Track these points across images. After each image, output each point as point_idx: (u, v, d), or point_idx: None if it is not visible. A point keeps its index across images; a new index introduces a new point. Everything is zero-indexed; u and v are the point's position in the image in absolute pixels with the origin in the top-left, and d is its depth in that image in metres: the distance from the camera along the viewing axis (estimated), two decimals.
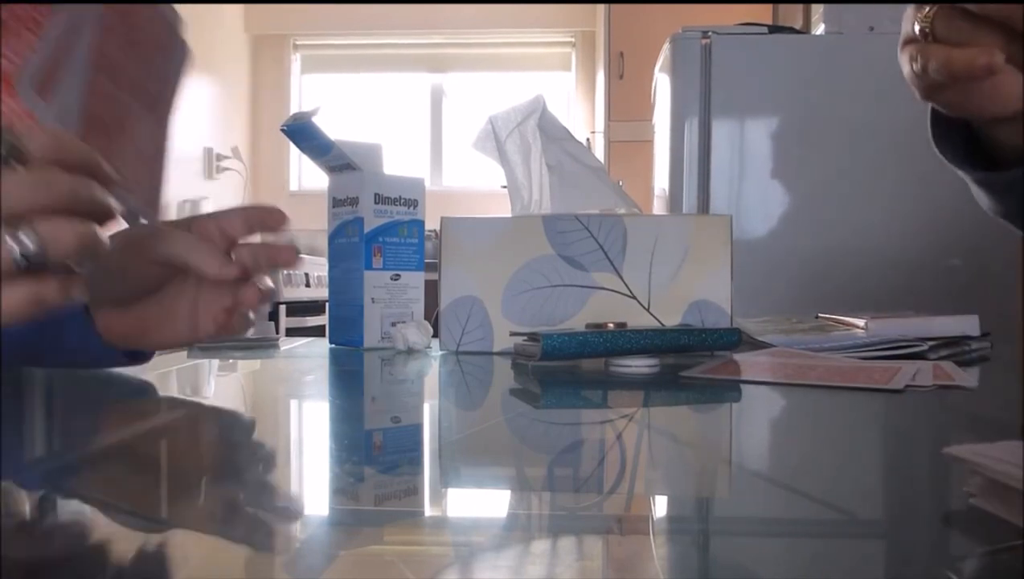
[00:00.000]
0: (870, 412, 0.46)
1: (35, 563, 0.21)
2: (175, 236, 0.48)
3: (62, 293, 0.35)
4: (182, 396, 0.53)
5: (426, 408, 0.50)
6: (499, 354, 0.70)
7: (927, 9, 0.45)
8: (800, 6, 2.33)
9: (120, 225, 0.43)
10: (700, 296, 0.69)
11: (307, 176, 4.09)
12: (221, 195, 3.47)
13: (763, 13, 2.71)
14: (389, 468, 0.33)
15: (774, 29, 1.81)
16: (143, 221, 0.44)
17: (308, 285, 2.73)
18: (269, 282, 0.52)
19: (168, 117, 0.49)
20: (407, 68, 4.14)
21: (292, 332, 2.52)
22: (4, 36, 0.43)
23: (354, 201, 0.76)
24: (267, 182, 4.02)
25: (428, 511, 0.27)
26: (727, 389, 0.53)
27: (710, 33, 1.74)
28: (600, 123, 3.48)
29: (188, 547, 0.23)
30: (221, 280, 0.49)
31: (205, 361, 0.67)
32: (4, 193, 0.34)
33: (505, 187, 0.78)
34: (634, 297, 0.69)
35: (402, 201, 0.78)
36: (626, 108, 3.23)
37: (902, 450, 0.37)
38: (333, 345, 0.79)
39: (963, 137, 0.54)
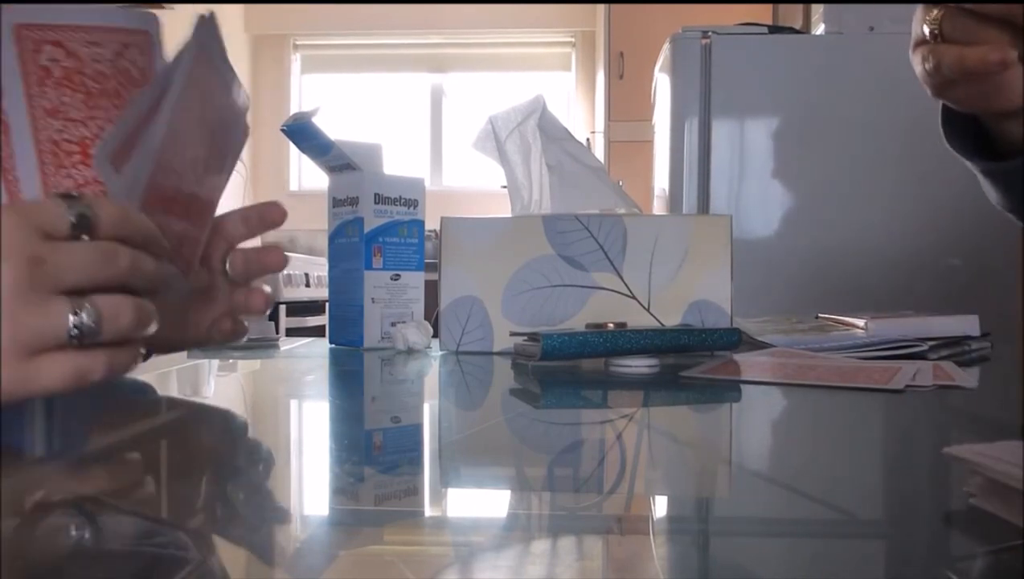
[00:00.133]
0: (870, 412, 0.46)
1: (34, 563, 0.21)
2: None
3: (107, 370, 0.36)
4: (181, 396, 0.53)
5: (426, 408, 0.50)
6: (499, 354, 0.70)
7: (935, 11, 0.46)
8: (800, 6, 2.33)
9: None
10: (700, 296, 0.69)
11: (307, 176, 4.09)
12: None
13: (763, 13, 2.71)
14: (389, 468, 0.33)
15: (774, 29, 1.81)
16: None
17: (308, 285, 2.73)
18: (266, 287, 0.52)
19: (220, 192, 0.50)
20: (407, 68, 4.14)
21: (292, 332, 2.52)
22: (89, 106, 0.44)
23: (354, 201, 0.76)
24: (267, 182, 4.02)
25: (428, 511, 0.27)
26: (727, 389, 0.53)
27: (710, 33, 1.74)
28: (600, 123, 3.48)
29: (187, 547, 0.23)
30: (218, 288, 0.50)
31: (205, 361, 0.67)
32: (69, 265, 0.34)
33: (505, 187, 0.78)
34: (634, 297, 0.69)
35: (402, 201, 0.78)
36: (626, 108, 3.23)
37: (902, 450, 0.37)
38: (333, 345, 0.79)
39: (972, 131, 0.56)
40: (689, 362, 0.60)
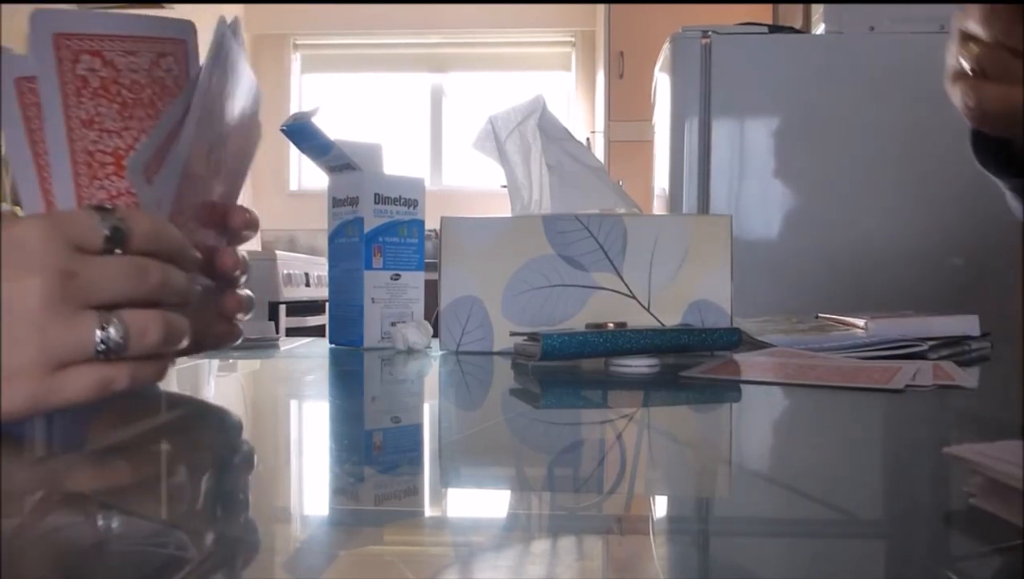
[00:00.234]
0: (870, 412, 0.46)
1: (33, 563, 0.21)
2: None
3: (131, 382, 0.36)
4: (181, 395, 0.53)
5: (426, 408, 0.50)
6: (499, 354, 0.70)
7: (973, 46, 0.47)
8: (800, 6, 2.33)
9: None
10: (700, 296, 0.69)
11: (307, 176, 4.09)
12: None
13: (763, 13, 2.71)
14: (389, 468, 0.33)
15: (774, 29, 1.81)
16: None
17: (308, 285, 2.73)
18: (246, 290, 0.52)
19: (236, 197, 0.51)
20: (407, 68, 4.14)
21: (292, 332, 2.52)
22: (124, 116, 0.44)
23: (354, 201, 0.76)
24: (267, 182, 4.02)
25: (428, 511, 0.27)
26: (727, 389, 0.53)
27: (710, 33, 1.74)
28: (600, 123, 3.48)
29: (187, 547, 0.23)
30: (206, 298, 0.49)
31: (205, 361, 0.67)
32: (101, 280, 0.34)
33: (505, 187, 0.78)
34: (634, 297, 0.69)
35: (402, 201, 0.78)
36: (626, 108, 3.23)
37: (902, 450, 0.37)
38: (333, 345, 0.79)
39: (1001, 148, 0.57)
40: (689, 362, 0.60)
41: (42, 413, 0.34)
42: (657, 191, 2.04)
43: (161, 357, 0.38)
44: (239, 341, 0.52)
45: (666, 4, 3.06)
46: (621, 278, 0.69)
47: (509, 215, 0.75)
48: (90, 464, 0.33)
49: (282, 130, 0.76)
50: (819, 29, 1.84)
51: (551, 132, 0.77)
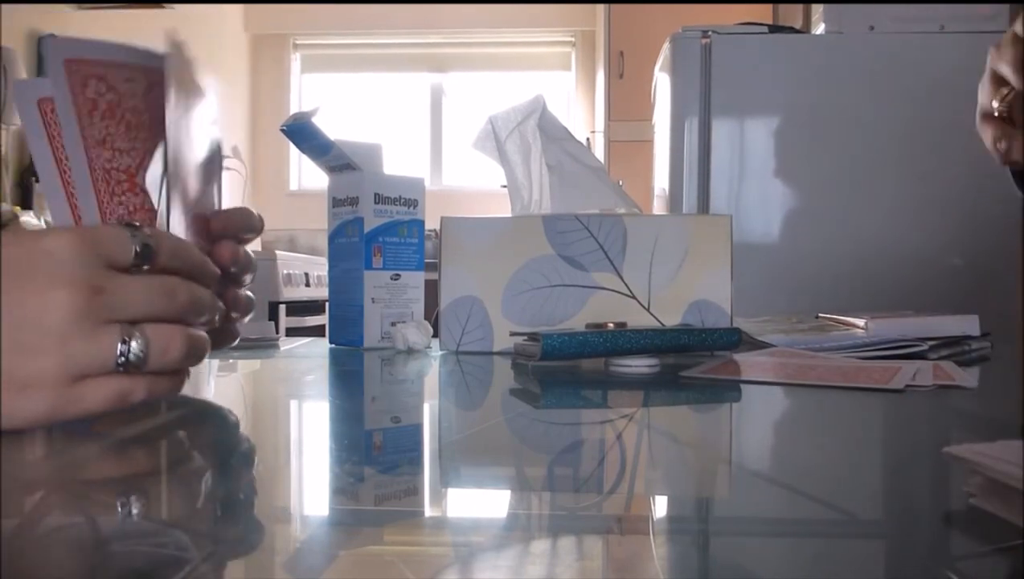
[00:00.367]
0: (870, 412, 0.46)
1: (32, 563, 0.21)
2: None
3: (148, 394, 0.36)
4: (181, 395, 0.53)
5: (426, 408, 0.50)
6: (499, 354, 0.70)
7: (1005, 91, 0.48)
8: (800, 6, 2.33)
9: None
10: (700, 296, 0.69)
11: (307, 176, 4.09)
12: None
13: (763, 13, 2.71)
14: (389, 468, 0.33)
15: (774, 29, 1.81)
16: None
17: (308, 285, 2.73)
18: (247, 292, 0.52)
19: (213, 205, 0.53)
20: (407, 68, 4.14)
21: (292, 332, 2.52)
22: (129, 137, 0.47)
23: (354, 201, 0.76)
24: (267, 182, 4.02)
25: (428, 511, 0.27)
26: (727, 389, 0.53)
27: (710, 33, 1.74)
28: (600, 123, 3.48)
29: (187, 547, 0.23)
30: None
31: (205, 361, 0.67)
32: (128, 298, 0.34)
33: (505, 187, 0.78)
34: (634, 297, 0.69)
35: (402, 201, 0.78)
36: (626, 108, 3.23)
37: (902, 450, 0.37)
38: (333, 345, 0.79)
39: None
40: (689, 362, 0.60)
41: (59, 421, 0.34)
42: (657, 191, 2.04)
43: (178, 371, 0.38)
44: (236, 341, 0.52)
45: (666, 4, 3.06)
46: (621, 278, 0.69)
47: (509, 215, 0.75)
48: (89, 464, 0.33)
49: (282, 130, 0.76)
50: (819, 29, 1.84)
51: (551, 132, 0.77)
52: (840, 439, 0.40)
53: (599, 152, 3.35)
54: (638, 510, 0.27)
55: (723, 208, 1.72)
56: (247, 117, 4.01)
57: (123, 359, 0.34)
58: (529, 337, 0.60)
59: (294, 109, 3.73)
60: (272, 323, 0.95)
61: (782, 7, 2.74)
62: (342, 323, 0.78)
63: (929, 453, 0.36)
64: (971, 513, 0.24)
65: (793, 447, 0.38)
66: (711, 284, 0.69)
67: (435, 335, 0.75)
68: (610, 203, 0.76)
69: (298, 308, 2.63)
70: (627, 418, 0.45)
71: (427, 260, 0.84)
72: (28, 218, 2.16)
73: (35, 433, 0.35)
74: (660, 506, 0.28)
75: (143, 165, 0.47)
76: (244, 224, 0.53)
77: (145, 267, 0.36)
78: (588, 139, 3.59)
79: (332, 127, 0.77)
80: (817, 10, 1.89)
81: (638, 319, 0.68)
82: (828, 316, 0.83)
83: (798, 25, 2.19)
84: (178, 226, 0.46)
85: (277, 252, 2.63)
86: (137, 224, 0.36)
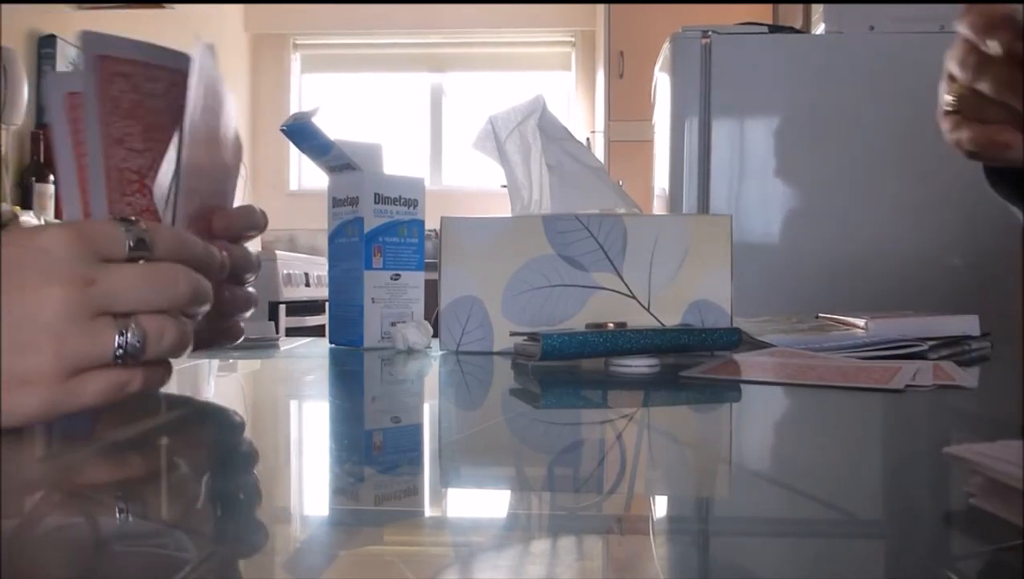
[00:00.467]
0: (870, 412, 0.46)
1: (32, 563, 0.21)
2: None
3: (144, 385, 0.36)
4: (181, 395, 0.53)
5: (426, 408, 0.50)
6: (499, 354, 0.70)
7: (955, 86, 0.51)
8: (800, 6, 2.33)
9: None
10: (700, 296, 0.69)
11: (307, 176, 4.09)
12: None
13: (763, 13, 2.71)
14: (389, 468, 0.33)
15: (774, 29, 1.81)
16: None
17: (308, 285, 2.73)
18: (250, 288, 0.53)
19: (232, 199, 0.54)
20: (407, 68, 4.14)
21: (292, 332, 2.52)
22: (145, 138, 0.47)
23: (354, 201, 0.76)
24: (267, 182, 4.02)
25: (428, 511, 0.27)
26: (727, 389, 0.53)
27: (710, 33, 1.74)
28: (600, 123, 3.48)
29: (187, 547, 0.23)
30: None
31: (205, 361, 0.67)
32: (123, 288, 0.34)
33: (505, 187, 0.78)
34: (634, 297, 0.69)
35: (402, 201, 0.78)
36: (626, 108, 3.23)
37: (902, 450, 0.37)
38: (333, 345, 0.79)
39: (1015, 178, 0.60)
40: (689, 362, 0.60)
41: (57, 417, 0.34)
42: (657, 191, 2.04)
43: (166, 361, 0.38)
44: (240, 340, 0.52)
45: (666, 4, 3.06)
46: (621, 278, 0.69)
47: (509, 215, 0.75)
48: (89, 464, 0.33)
49: (282, 130, 0.76)
50: (819, 29, 1.84)
51: (551, 132, 0.77)
52: (840, 439, 0.40)
53: (599, 152, 3.34)
54: (638, 510, 0.27)
55: (723, 208, 1.72)
56: (247, 117, 4.01)
57: (121, 351, 0.34)
58: (529, 337, 0.60)
59: (294, 109, 3.73)
60: (272, 323, 0.95)
61: (782, 7, 2.74)
62: (342, 323, 0.78)
63: (929, 453, 0.36)
64: (971, 513, 0.24)
65: (793, 447, 0.38)
66: (711, 284, 0.69)
67: (435, 335, 0.75)
68: (610, 203, 0.76)
69: (298, 308, 2.63)
70: (627, 418, 0.45)
71: (427, 260, 0.84)
72: (28, 218, 2.16)
73: (36, 434, 0.35)
74: (660, 506, 0.28)
75: (154, 167, 0.47)
76: (247, 222, 0.53)
77: (141, 262, 0.36)
78: (588, 139, 3.59)
79: (332, 127, 0.77)
80: (817, 10, 1.89)
81: (638, 319, 0.68)
82: (828, 316, 0.83)
83: (798, 25, 2.19)
84: (181, 227, 0.46)
85: (277, 252, 2.62)
86: (133, 219, 0.36)
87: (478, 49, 4.11)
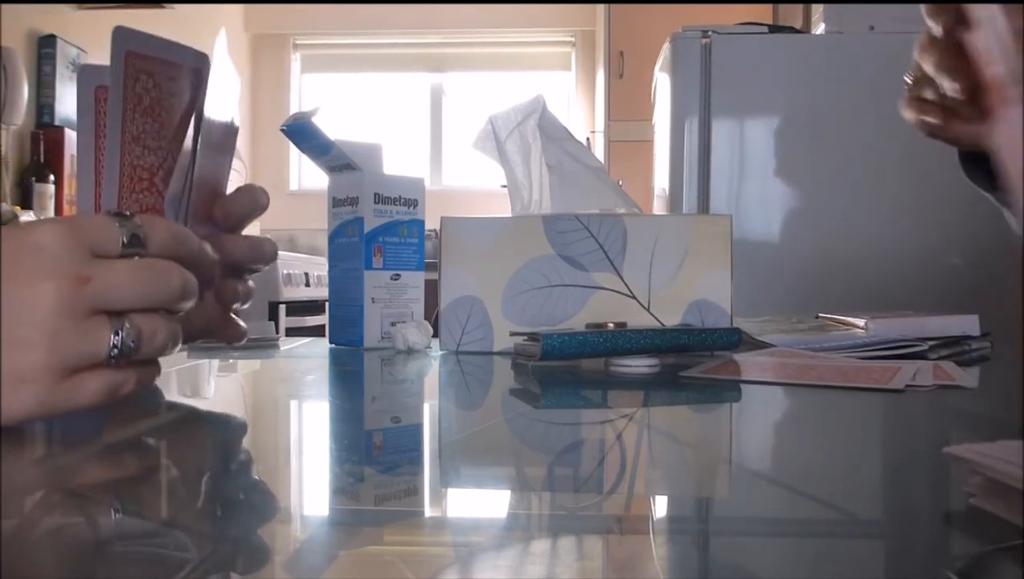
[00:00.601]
0: (870, 412, 0.46)
1: (33, 563, 0.21)
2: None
3: (138, 385, 0.36)
4: (180, 396, 0.53)
5: (426, 408, 0.50)
6: (499, 354, 0.70)
7: (912, 67, 0.55)
8: (800, 6, 2.33)
9: None
10: (700, 296, 0.69)
11: (307, 176, 4.09)
12: None
13: (763, 13, 2.71)
14: (389, 468, 0.33)
15: (774, 29, 1.81)
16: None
17: (308, 285, 2.73)
18: (248, 282, 0.53)
19: (226, 181, 0.55)
20: (407, 68, 4.14)
21: (292, 332, 2.52)
22: (159, 136, 0.48)
23: (354, 201, 0.76)
24: (267, 182, 4.00)
25: (428, 511, 0.27)
26: (727, 389, 0.53)
27: (710, 33, 1.74)
28: (600, 123, 3.48)
29: (187, 547, 0.23)
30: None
31: (205, 361, 0.67)
32: (116, 285, 0.34)
33: (505, 187, 0.78)
34: (634, 297, 0.69)
35: (402, 201, 0.78)
36: (626, 108, 3.23)
37: (902, 450, 0.37)
38: (333, 345, 0.79)
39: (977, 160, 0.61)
40: (689, 362, 0.60)
41: (51, 417, 0.34)
42: (657, 191, 2.04)
43: (155, 360, 0.38)
44: (244, 340, 0.52)
45: (666, 4, 3.06)
46: (621, 278, 0.69)
47: (509, 215, 0.75)
48: (89, 464, 0.33)
49: (282, 130, 0.76)
50: (819, 29, 1.84)
51: (551, 132, 0.77)
52: (840, 439, 0.40)
53: (599, 152, 3.34)
54: (638, 510, 0.27)
55: (723, 208, 1.72)
56: (247, 117, 4.01)
57: (115, 350, 0.34)
58: (529, 337, 0.60)
59: (294, 109, 3.73)
60: (272, 323, 0.95)
61: (782, 7, 2.74)
62: (342, 323, 0.78)
63: (929, 453, 0.36)
64: (971, 513, 0.24)
65: (793, 447, 0.38)
66: (711, 284, 0.69)
67: (435, 335, 0.75)
68: (610, 203, 0.76)
69: (298, 308, 2.63)
70: (627, 418, 0.45)
71: (427, 260, 0.84)
72: (28, 218, 2.16)
73: (36, 435, 0.35)
74: (660, 506, 0.28)
75: (164, 165, 0.48)
76: (250, 204, 0.53)
77: (136, 257, 0.35)
78: (588, 139, 3.59)
79: (332, 127, 0.77)
80: (817, 10, 1.89)
81: (638, 319, 0.68)
82: (828, 316, 0.83)
83: (798, 25, 2.19)
84: (189, 222, 0.47)
85: (277, 252, 2.62)
86: (127, 213, 0.36)
87: (478, 49, 4.11)
